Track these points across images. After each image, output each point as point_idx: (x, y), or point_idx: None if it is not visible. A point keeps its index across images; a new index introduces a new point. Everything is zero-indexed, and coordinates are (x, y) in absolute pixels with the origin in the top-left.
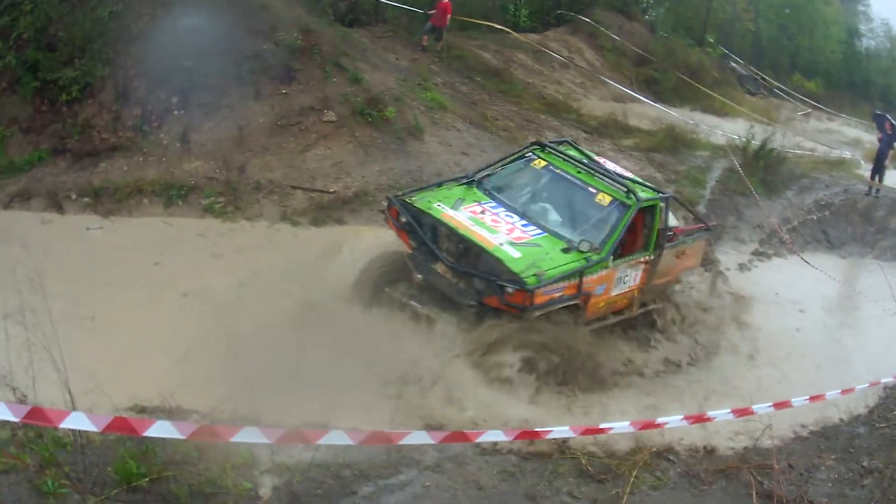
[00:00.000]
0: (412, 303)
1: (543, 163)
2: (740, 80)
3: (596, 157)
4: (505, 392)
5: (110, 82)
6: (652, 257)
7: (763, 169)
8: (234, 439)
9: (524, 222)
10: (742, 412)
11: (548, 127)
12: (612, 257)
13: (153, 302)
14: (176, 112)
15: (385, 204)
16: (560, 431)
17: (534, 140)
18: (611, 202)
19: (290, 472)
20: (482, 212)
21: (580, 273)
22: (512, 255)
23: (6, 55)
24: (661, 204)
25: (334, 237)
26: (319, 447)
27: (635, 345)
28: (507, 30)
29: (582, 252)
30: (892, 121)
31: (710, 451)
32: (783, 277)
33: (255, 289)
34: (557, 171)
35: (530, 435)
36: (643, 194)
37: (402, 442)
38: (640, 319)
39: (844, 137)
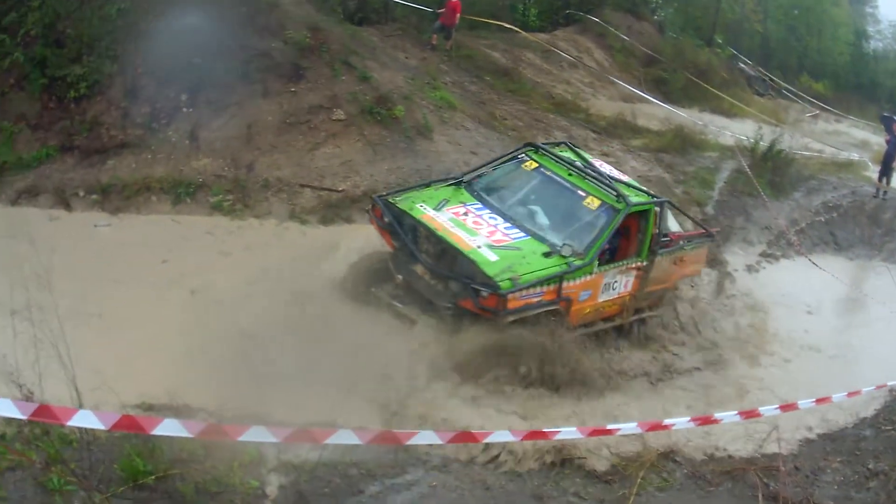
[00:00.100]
0: (395, 303)
1: (534, 164)
2: (749, 80)
3: (592, 160)
4: (477, 397)
5: (119, 79)
6: (645, 263)
7: (771, 170)
8: (241, 438)
9: (508, 225)
10: (749, 414)
11: (556, 127)
12: (596, 263)
13: (161, 299)
14: (185, 109)
15: (370, 204)
16: (568, 432)
17: (545, 140)
18: (599, 206)
19: (297, 470)
20: (465, 213)
21: (559, 278)
22: (488, 257)
23: (14, 51)
24: (655, 209)
25: (337, 235)
26: (326, 446)
27: (627, 350)
28: (516, 29)
29: (564, 257)
30: None
31: (716, 454)
32: (791, 279)
33: (263, 287)
34: (548, 173)
35: (538, 435)
36: (635, 199)
37: (409, 442)
38: (639, 325)
39: (852, 139)
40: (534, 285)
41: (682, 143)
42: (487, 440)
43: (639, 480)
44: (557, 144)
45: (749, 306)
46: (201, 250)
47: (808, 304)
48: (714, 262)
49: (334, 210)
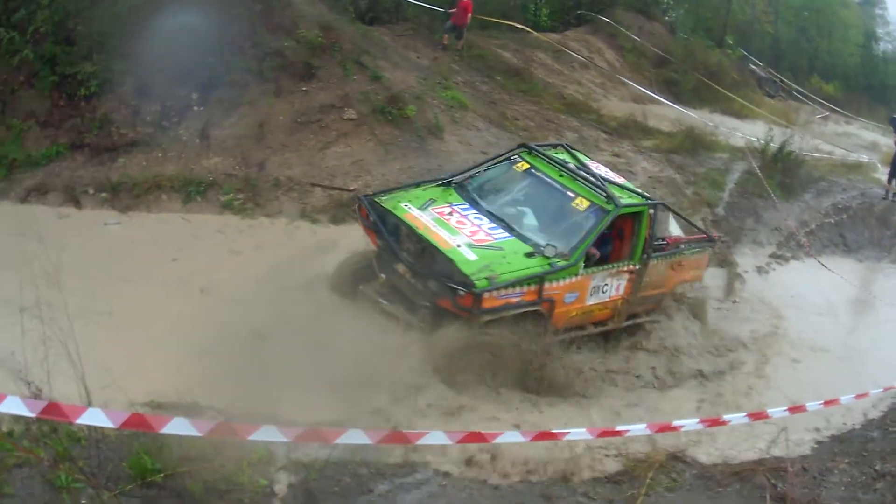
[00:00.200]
0: (381, 301)
1: (526, 165)
2: (759, 82)
3: (588, 162)
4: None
5: (129, 77)
6: (637, 267)
7: (781, 172)
8: (251, 437)
9: (493, 225)
10: (757, 416)
11: (568, 127)
12: (582, 264)
13: (170, 298)
14: (196, 108)
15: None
16: (577, 433)
17: (557, 141)
18: (588, 207)
19: (307, 469)
20: (450, 213)
21: (541, 279)
22: (467, 256)
23: (23, 49)
24: (649, 211)
25: (347, 235)
26: (336, 445)
27: (623, 356)
28: (527, 29)
29: (547, 257)
30: None
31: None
32: (800, 280)
33: (272, 286)
34: (538, 174)
35: (548, 436)
36: (626, 200)
37: (419, 442)
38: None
39: (861, 141)
40: (513, 285)
41: (692, 144)
42: (497, 441)
43: (647, 481)
44: (555, 146)
45: (758, 307)
46: (211, 249)
47: (817, 306)
48: (724, 262)
49: (345, 209)
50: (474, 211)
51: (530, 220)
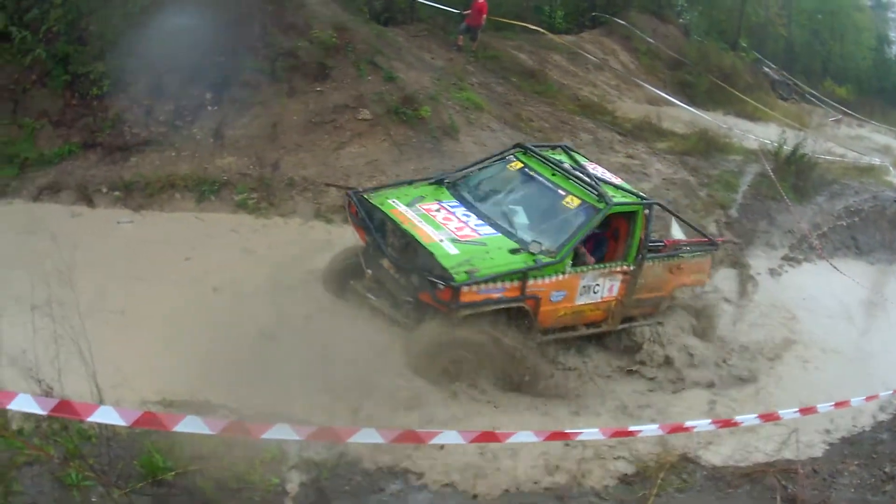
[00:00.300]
0: (369, 296)
1: (519, 165)
2: (773, 84)
3: (585, 163)
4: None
5: (142, 77)
6: (632, 268)
7: (794, 174)
8: (264, 436)
9: (480, 222)
10: (768, 417)
11: (583, 129)
12: (570, 262)
13: (183, 297)
14: (209, 107)
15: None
16: (590, 433)
17: (571, 142)
18: (579, 205)
19: (318, 468)
20: (438, 210)
21: (523, 274)
22: (448, 251)
23: (36, 48)
24: (644, 211)
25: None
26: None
27: (622, 359)
28: (542, 31)
29: (532, 254)
30: None
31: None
32: (812, 283)
33: (285, 285)
34: (531, 173)
35: (560, 436)
36: (620, 199)
37: (433, 441)
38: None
39: (874, 144)
40: (493, 280)
41: (706, 146)
42: (510, 440)
43: (658, 481)
44: (554, 147)
45: (770, 309)
46: (225, 248)
47: (829, 308)
48: (737, 264)
49: None
50: (463, 208)
51: (520, 218)
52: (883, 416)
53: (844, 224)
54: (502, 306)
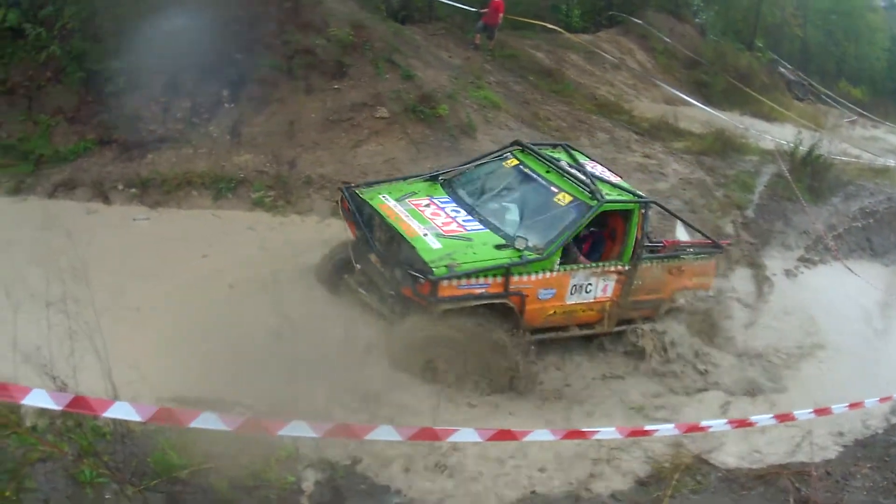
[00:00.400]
0: (360, 290)
1: (515, 162)
2: (788, 85)
3: (585, 162)
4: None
5: (158, 74)
6: (627, 268)
7: (810, 175)
8: (281, 433)
9: (469, 218)
10: (783, 417)
11: (600, 128)
12: (558, 260)
13: (199, 294)
14: (226, 105)
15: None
16: (606, 432)
17: (589, 142)
18: (570, 202)
19: (334, 466)
20: (427, 205)
21: (506, 270)
22: (430, 245)
23: (50, 44)
24: (641, 210)
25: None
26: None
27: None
28: (559, 30)
29: (518, 250)
30: None
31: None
32: (828, 284)
33: (300, 283)
34: (525, 170)
35: (577, 435)
36: (613, 196)
37: (449, 440)
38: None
39: (889, 145)
40: (475, 275)
41: (723, 146)
42: (527, 439)
43: (673, 483)
44: (554, 146)
45: (786, 310)
46: (241, 246)
47: (844, 310)
48: (753, 265)
49: None
50: (454, 204)
51: (512, 214)
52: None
53: (859, 225)
54: (484, 302)
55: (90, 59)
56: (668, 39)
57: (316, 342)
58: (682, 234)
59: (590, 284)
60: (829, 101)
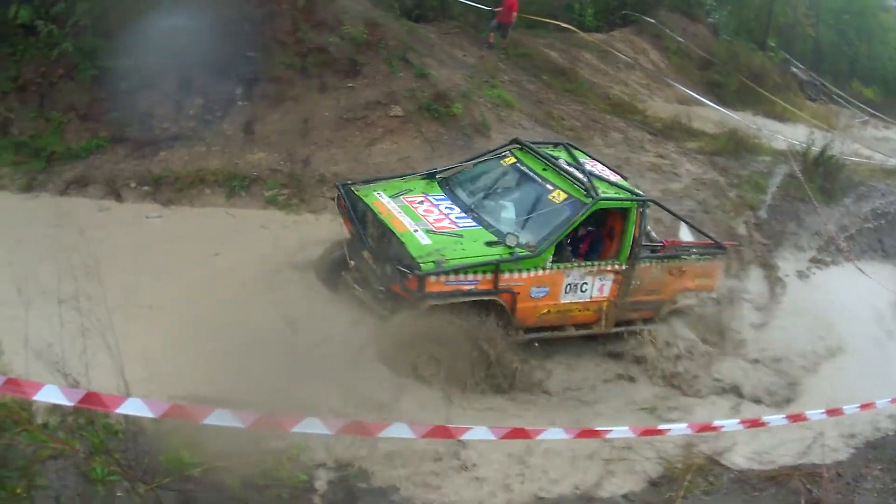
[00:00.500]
0: (356, 287)
1: (512, 160)
2: (801, 85)
3: (584, 160)
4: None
5: (171, 71)
6: (624, 267)
7: (822, 176)
8: (294, 430)
9: (462, 215)
10: (796, 418)
11: (613, 128)
12: (550, 257)
13: (211, 292)
14: (239, 103)
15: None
16: (620, 431)
17: (603, 142)
18: (564, 199)
19: (347, 465)
20: (421, 202)
21: (495, 266)
22: (420, 240)
23: (62, 41)
24: (638, 209)
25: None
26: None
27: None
28: (573, 29)
29: (509, 247)
30: None
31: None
32: (840, 285)
33: (314, 281)
34: (522, 168)
35: (590, 434)
36: (609, 194)
37: (464, 437)
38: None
39: None
40: (464, 270)
41: (736, 146)
42: (540, 437)
43: (686, 483)
44: (556, 145)
45: (798, 312)
46: (254, 244)
47: (856, 311)
48: (766, 266)
49: None
50: (448, 201)
51: (506, 212)
52: None
53: (871, 226)
54: (473, 298)
55: (102, 57)
56: (681, 39)
57: (316, 340)
58: (685, 234)
59: (585, 283)
60: (841, 101)
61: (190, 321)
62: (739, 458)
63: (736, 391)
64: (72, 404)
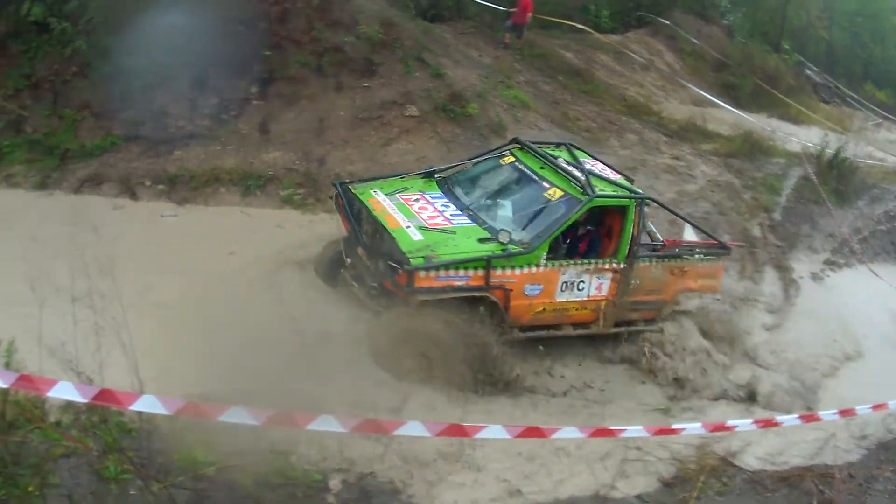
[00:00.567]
0: (353, 284)
1: (511, 159)
2: (815, 87)
3: (584, 160)
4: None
5: (186, 70)
6: (622, 266)
7: (836, 178)
8: (309, 427)
9: (457, 212)
10: (809, 418)
11: (629, 129)
12: (544, 254)
13: (226, 292)
14: (255, 102)
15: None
16: (634, 431)
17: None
18: (560, 197)
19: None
20: (416, 200)
21: (487, 262)
22: (411, 236)
23: (76, 39)
24: (636, 207)
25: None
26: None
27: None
28: (588, 30)
29: (502, 244)
30: None
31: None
32: (854, 288)
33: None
34: (520, 166)
35: (605, 433)
36: (606, 192)
37: (478, 436)
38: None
39: None
40: (454, 266)
41: (750, 148)
42: (555, 436)
43: (699, 484)
44: (557, 145)
45: (812, 313)
46: (270, 243)
47: (869, 313)
48: (780, 268)
49: None
50: (444, 199)
51: (502, 210)
52: None
53: (884, 229)
54: (463, 294)
55: (116, 54)
56: (695, 41)
57: (316, 337)
58: (689, 234)
59: (582, 282)
60: (854, 103)
61: (204, 320)
62: (752, 459)
63: (751, 396)
64: (86, 401)
